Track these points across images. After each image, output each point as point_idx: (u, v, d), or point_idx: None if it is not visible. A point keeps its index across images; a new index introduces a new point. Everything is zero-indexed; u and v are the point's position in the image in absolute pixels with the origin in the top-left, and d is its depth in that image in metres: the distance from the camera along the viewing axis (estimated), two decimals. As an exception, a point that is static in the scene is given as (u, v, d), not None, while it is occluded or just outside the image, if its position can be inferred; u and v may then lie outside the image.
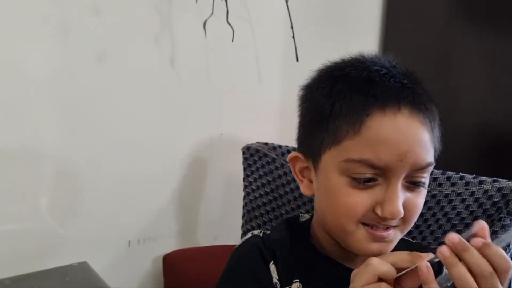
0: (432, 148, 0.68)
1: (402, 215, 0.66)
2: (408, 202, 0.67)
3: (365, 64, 0.69)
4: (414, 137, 0.65)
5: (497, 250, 0.54)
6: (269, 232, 0.83)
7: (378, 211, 0.66)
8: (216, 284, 0.77)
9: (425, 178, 0.69)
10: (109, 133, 1.13)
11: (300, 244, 0.79)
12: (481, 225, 0.56)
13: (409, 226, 0.72)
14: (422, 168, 0.67)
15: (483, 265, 0.53)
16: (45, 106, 1.04)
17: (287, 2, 1.23)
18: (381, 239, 0.68)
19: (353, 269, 0.74)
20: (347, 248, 0.72)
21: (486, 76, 1.38)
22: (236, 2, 1.24)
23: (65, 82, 1.05)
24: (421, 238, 0.95)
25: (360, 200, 0.66)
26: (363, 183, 0.66)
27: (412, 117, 0.66)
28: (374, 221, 0.67)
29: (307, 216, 0.85)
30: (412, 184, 0.68)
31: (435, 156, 0.72)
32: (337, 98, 0.69)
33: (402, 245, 0.82)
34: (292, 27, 1.21)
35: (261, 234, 0.81)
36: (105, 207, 1.13)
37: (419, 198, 0.70)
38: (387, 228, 0.68)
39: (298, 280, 0.74)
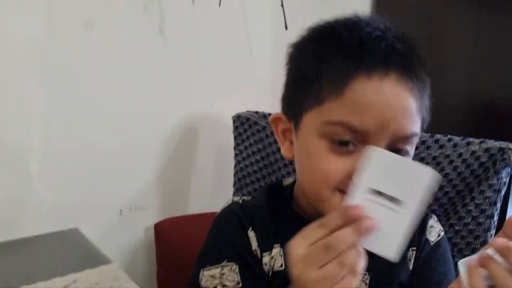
0: (418, 118, 0.65)
1: None
2: None
3: (358, 25, 0.66)
4: (400, 104, 0.63)
5: None
6: (249, 198, 0.82)
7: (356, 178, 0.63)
8: (198, 254, 0.78)
9: (410, 149, 0.66)
10: (98, 102, 1.12)
11: (280, 209, 0.78)
12: None
13: None
14: (405, 138, 0.64)
15: None
16: (32, 75, 1.02)
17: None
18: None
19: None
20: (321, 213, 0.68)
21: (476, 46, 1.39)
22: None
23: (52, 50, 1.03)
24: None
25: (337, 166, 0.64)
26: (342, 147, 0.64)
27: (400, 84, 0.63)
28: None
29: (290, 180, 0.84)
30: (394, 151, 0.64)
31: (423, 127, 0.69)
32: (324, 58, 0.66)
33: None
34: None
35: (240, 201, 0.81)
36: (96, 176, 1.12)
37: None
38: None
39: (278, 245, 0.74)
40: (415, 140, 0.67)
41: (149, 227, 1.21)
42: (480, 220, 0.89)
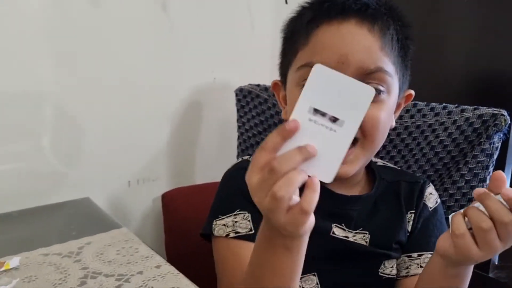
0: (385, 55, 0.70)
1: None
2: None
3: None
4: (358, 42, 0.69)
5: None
6: None
7: None
8: (210, 208, 0.82)
9: (384, 87, 0.70)
10: (105, 76, 1.15)
11: None
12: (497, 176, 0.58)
13: (372, 143, 0.72)
14: (370, 73, 0.68)
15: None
16: (42, 49, 1.05)
17: None
18: None
19: (336, 193, 0.79)
20: None
21: (473, 20, 1.42)
22: None
23: (61, 26, 1.06)
24: (406, 167, 1.00)
25: None
26: None
27: (359, 26, 0.69)
28: None
29: None
30: None
31: (403, 81, 0.75)
32: (298, 18, 0.76)
33: (387, 172, 0.87)
34: None
35: (249, 159, 0.85)
36: (105, 148, 1.15)
37: (377, 110, 0.70)
38: None
39: None
40: (385, 77, 0.70)
41: (156, 197, 1.26)
42: (473, 183, 0.92)
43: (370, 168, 0.86)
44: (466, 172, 0.93)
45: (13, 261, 0.73)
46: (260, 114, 1.18)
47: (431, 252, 0.77)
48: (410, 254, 0.82)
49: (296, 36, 0.74)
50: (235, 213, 0.77)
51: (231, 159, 1.23)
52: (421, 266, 0.80)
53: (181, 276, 0.75)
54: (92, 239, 0.86)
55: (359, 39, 0.69)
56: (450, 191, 0.95)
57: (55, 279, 0.70)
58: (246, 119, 1.21)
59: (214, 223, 0.78)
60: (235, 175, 0.82)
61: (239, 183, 0.82)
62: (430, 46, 1.49)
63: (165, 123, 1.28)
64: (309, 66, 0.67)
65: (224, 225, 0.77)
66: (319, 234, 0.73)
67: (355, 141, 0.69)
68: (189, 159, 1.36)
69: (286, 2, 1.22)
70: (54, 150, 1.09)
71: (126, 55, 1.18)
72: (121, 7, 1.14)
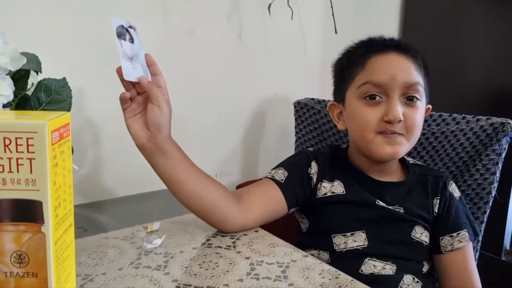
0: (419, 74, 0.99)
1: (401, 118, 0.94)
2: (406, 114, 0.96)
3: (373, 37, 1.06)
4: (401, 64, 0.98)
5: None
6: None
7: (385, 118, 0.95)
8: None
9: (419, 96, 0.98)
10: (195, 89, 1.39)
11: (340, 158, 1.11)
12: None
13: (413, 137, 0.99)
14: (412, 85, 0.97)
15: None
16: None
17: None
18: (392, 142, 0.96)
19: (376, 179, 1.06)
20: (370, 155, 1.01)
21: (489, 41, 1.66)
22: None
23: (165, 52, 1.31)
24: (433, 164, 1.24)
25: (372, 114, 0.97)
26: (372, 100, 0.97)
27: (399, 55, 0.99)
28: (384, 128, 0.96)
29: (345, 146, 1.16)
30: (408, 100, 0.97)
31: (428, 96, 1.03)
32: (350, 54, 1.05)
33: (417, 168, 1.12)
34: (332, 6, 1.48)
35: (311, 149, 1.14)
36: (189, 149, 1.41)
37: (415, 113, 0.98)
38: (394, 133, 0.96)
39: (339, 180, 1.06)
40: (421, 90, 0.99)
41: (229, 187, 1.53)
42: (486, 176, 1.16)
43: (405, 164, 1.12)
44: (481, 167, 1.16)
45: (155, 225, 1.00)
46: (314, 122, 1.44)
47: (465, 230, 1.03)
48: (451, 233, 1.03)
49: (353, 65, 1.02)
50: (281, 169, 1.05)
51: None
52: (460, 241, 1.02)
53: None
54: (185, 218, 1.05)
55: (402, 63, 0.98)
56: (468, 182, 1.19)
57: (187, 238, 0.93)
58: (303, 126, 1.47)
59: (269, 172, 1.06)
60: (299, 152, 1.17)
61: (297, 156, 1.13)
62: (452, 65, 1.73)
63: (236, 129, 1.53)
64: (368, 83, 0.97)
65: (269, 173, 1.05)
66: (367, 204, 1.01)
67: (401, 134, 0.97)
68: (254, 158, 1.60)
69: (336, 32, 1.49)
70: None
71: (208, 72, 1.43)
72: (209, 36, 1.41)
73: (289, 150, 1.51)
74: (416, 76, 0.98)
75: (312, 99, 1.46)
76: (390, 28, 1.81)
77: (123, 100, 0.84)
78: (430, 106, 1.08)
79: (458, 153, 1.22)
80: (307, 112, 1.46)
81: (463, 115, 1.22)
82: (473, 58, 1.70)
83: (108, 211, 1.23)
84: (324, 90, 1.62)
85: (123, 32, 0.82)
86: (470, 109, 1.37)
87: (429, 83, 1.05)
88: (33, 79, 0.82)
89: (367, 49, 1.01)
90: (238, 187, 1.48)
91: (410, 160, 1.16)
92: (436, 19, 1.83)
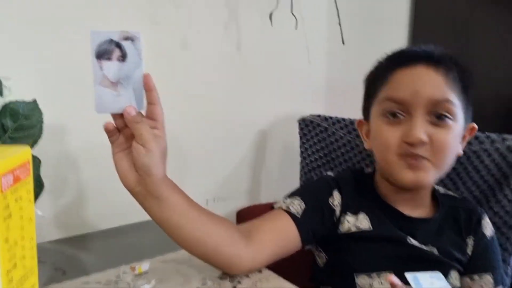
0: (450, 90, 0.87)
1: (424, 140, 0.84)
2: (433, 135, 0.85)
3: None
4: (427, 78, 0.88)
5: None
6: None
7: (404, 139, 0.85)
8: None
9: (452, 114, 0.87)
10: (191, 105, 1.31)
11: (364, 185, 1.00)
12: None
13: (441, 162, 0.88)
14: (439, 102, 0.86)
15: None
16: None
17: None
18: (415, 168, 0.86)
19: (404, 214, 0.95)
20: (393, 181, 0.91)
21: (502, 52, 1.57)
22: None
23: (158, 67, 1.23)
24: (454, 188, 1.13)
25: (393, 133, 0.88)
26: (393, 118, 0.88)
27: (427, 68, 0.88)
28: (406, 150, 0.86)
29: (370, 170, 1.05)
30: (436, 119, 0.86)
31: (465, 111, 0.91)
32: (378, 67, 0.97)
33: (447, 199, 1.02)
34: (338, 15, 1.39)
35: (332, 175, 1.03)
36: (185, 172, 1.32)
37: (445, 134, 0.86)
38: (418, 156, 0.85)
39: (364, 213, 0.95)
40: (453, 108, 0.87)
41: (228, 213, 1.42)
42: None
43: (434, 195, 1.01)
44: (509, 193, 1.07)
45: (144, 266, 0.89)
46: (321, 140, 1.34)
47: (490, 273, 0.94)
48: (472, 275, 0.96)
49: (377, 80, 0.94)
50: (297, 198, 0.93)
51: (293, 181, 1.39)
52: (481, 286, 0.95)
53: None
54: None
55: (428, 77, 0.87)
56: (494, 209, 1.09)
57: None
58: (308, 145, 1.37)
59: (283, 200, 0.94)
60: (320, 179, 1.04)
61: (318, 184, 1.01)
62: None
63: (236, 148, 1.44)
64: (389, 100, 0.88)
65: (284, 202, 0.93)
66: (397, 241, 0.90)
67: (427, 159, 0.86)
68: (255, 181, 1.51)
69: (343, 43, 1.39)
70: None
71: (203, 87, 1.34)
72: (205, 49, 1.32)
73: (294, 171, 1.41)
74: (445, 92, 0.87)
75: (319, 115, 1.37)
76: (398, 37, 1.70)
77: (108, 132, 0.72)
78: (475, 125, 0.97)
79: (482, 176, 1.12)
80: (313, 130, 1.37)
81: (486, 133, 1.12)
82: (485, 68, 1.60)
83: (90, 247, 1.12)
84: (331, 105, 1.54)
85: (108, 50, 0.68)
86: (483, 123, 1.28)
87: (469, 99, 0.94)
88: (-4, 102, 0.70)
89: (392, 62, 0.93)
90: (239, 213, 1.38)
91: (441, 189, 1.06)
92: (446, 28, 1.73)
